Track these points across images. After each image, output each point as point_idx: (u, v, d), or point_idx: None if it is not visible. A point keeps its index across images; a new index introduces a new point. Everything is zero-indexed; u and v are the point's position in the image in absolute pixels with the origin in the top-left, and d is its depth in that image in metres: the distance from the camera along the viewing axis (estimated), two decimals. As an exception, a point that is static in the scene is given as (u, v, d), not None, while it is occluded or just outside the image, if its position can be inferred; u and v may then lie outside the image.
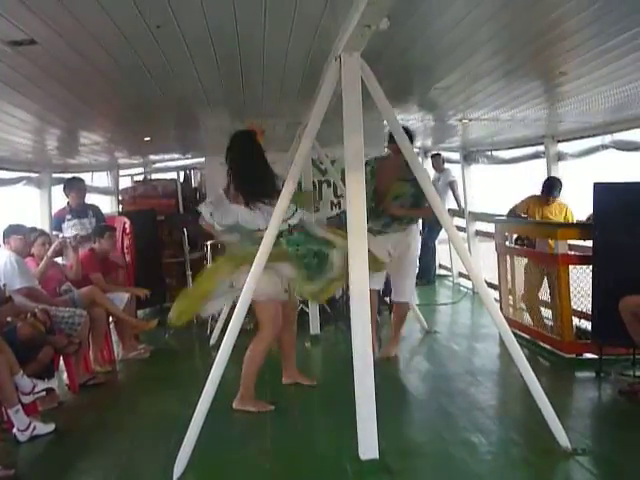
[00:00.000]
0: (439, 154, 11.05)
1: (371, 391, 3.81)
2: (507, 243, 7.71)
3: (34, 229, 6.72)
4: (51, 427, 4.90)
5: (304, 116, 5.94)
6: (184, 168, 11.02)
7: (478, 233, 10.62)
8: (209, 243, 7.74)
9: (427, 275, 10.87)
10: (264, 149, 5.17)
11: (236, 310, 4.08)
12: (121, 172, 10.89)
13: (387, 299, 8.57)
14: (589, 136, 7.77)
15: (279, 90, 5.51)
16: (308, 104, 5.18)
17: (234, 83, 5.14)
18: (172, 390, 5.79)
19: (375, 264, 4.98)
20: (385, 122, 6.47)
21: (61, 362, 6.06)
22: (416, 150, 10.84)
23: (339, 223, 8.31)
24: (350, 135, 3.85)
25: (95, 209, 8.16)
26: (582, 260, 6.21)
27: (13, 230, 6.26)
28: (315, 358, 7.18)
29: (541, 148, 8.67)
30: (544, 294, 6.83)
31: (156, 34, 3.60)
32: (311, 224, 5.35)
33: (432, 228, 10.39)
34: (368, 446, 3.83)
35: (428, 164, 11.06)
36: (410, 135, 5.81)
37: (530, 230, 7.25)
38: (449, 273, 11.51)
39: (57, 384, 5.73)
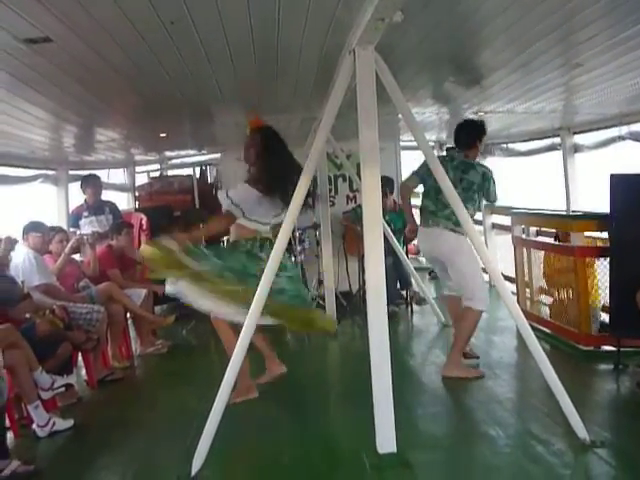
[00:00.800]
0: (454, 147, 11.01)
1: (388, 385, 3.81)
2: (524, 235, 7.68)
3: (53, 228, 6.76)
4: (70, 423, 4.93)
5: (319, 111, 5.93)
6: (200, 164, 11.04)
7: (494, 226, 10.58)
8: (226, 239, 7.76)
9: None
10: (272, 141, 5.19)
11: (252, 306, 4.08)
12: (137, 169, 10.93)
13: (404, 292, 8.61)
14: (605, 127, 7.71)
15: (293, 85, 5.50)
16: (322, 99, 5.18)
17: (248, 78, 5.14)
18: (190, 385, 5.81)
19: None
20: (399, 116, 6.48)
21: (79, 358, 6.10)
22: (431, 144, 10.82)
23: (354, 217, 8.40)
24: (365, 129, 3.85)
25: (112, 206, 8.20)
26: (599, 252, 6.17)
27: (33, 227, 6.29)
28: (332, 352, 7.18)
29: (557, 140, 8.62)
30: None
31: (170, 30, 3.61)
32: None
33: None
34: (386, 440, 3.83)
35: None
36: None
37: (547, 222, 7.21)
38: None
39: (76, 380, 5.78)
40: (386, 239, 6.57)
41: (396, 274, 8.26)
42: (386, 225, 6.71)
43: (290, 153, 5.15)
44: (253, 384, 5.23)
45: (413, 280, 8.31)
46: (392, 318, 7.65)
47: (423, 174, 5.77)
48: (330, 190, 9.45)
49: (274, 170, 4.97)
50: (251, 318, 4.07)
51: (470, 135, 5.85)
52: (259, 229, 5.02)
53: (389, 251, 7.43)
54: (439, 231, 5.69)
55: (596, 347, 6.15)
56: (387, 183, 8.28)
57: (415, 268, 8.25)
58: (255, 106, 6.28)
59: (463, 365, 5.75)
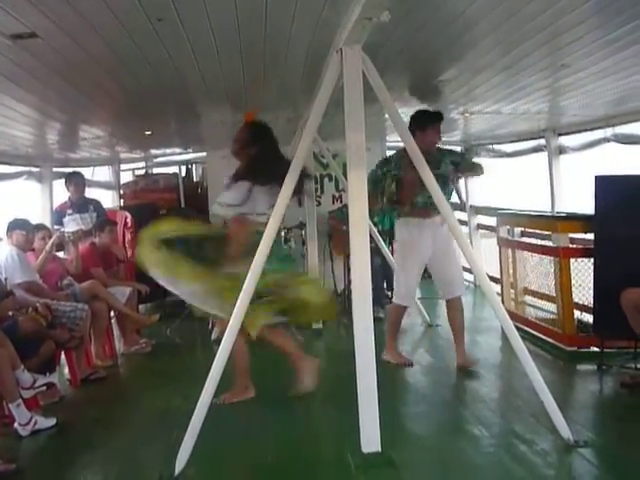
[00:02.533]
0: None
1: (373, 384, 3.81)
2: (509, 236, 7.70)
3: (36, 225, 6.72)
4: (52, 421, 4.90)
5: (305, 110, 5.93)
6: (185, 162, 11.03)
7: (480, 227, 10.63)
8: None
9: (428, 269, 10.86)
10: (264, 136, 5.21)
11: (237, 304, 4.08)
12: (122, 166, 10.90)
13: (389, 293, 8.61)
14: (591, 129, 7.76)
15: (280, 83, 5.50)
16: (309, 97, 5.18)
17: (235, 76, 5.13)
18: (173, 384, 5.79)
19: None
20: (386, 116, 6.49)
21: (62, 357, 6.07)
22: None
23: (341, 216, 8.40)
24: (352, 129, 3.84)
25: (96, 204, 8.17)
26: (583, 253, 6.21)
27: (17, 225, 6.25)
28: (318, 352, 7.17)
29: (542, 141, 8.67)
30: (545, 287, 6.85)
31: (157, 27, 3.60)
32: None
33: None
34: (370, 439, 3.83)
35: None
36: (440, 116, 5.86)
37: (532, 223, 7.24)
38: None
39: (58, 379, 5.73)
40: (373, 239, 6.67)
41: (383, 275, 8.26)
42: (372, 226, 6.71)
43: (280, 152, 5.16)
44: (251, 384, 5.23)
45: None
46: (377, 321, 7.68)
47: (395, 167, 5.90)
48: (316, 189, 9.46)
49: (266, 158, 5.00)
50: (236, 316, 4.06)
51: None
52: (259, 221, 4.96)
53: (377, 252, 7.47)
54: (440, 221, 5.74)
55: (580, 348, 6.19)
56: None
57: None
58: (241, 104, 6.28)
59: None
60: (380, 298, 8.26)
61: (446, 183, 5.69)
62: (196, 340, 7.73)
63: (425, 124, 5.77)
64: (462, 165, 5.90)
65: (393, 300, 6.14)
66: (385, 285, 8.57)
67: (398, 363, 6.05)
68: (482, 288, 4.32)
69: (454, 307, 6.03)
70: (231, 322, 4.08)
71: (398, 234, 6.05)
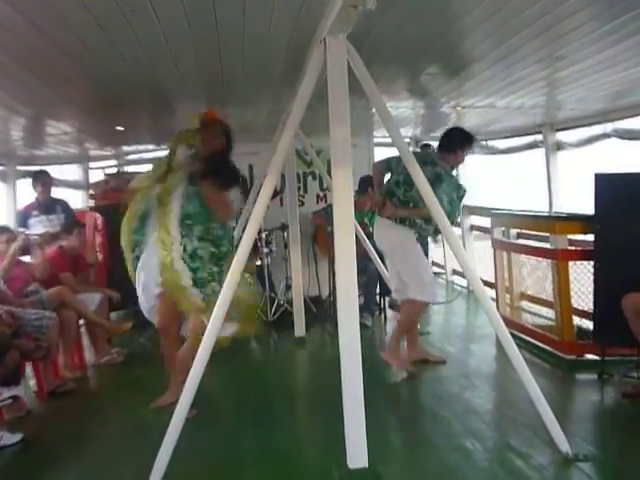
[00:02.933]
0: (429, 144, 11.05)
1: (360, 396, 3.82)
2: (504, 238, 7.74)
3: (1, 228, 6.69)
4: (18, 437, 4.88)
5: (287, 103, 5.93)
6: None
7: (473, 228, 10.66)
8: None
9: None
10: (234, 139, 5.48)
11: (215, 310, 4.08)
12: (92, 165, 10.85)
13: (380, 299, 8.64)
14: (589, 124, 7.81)
15: (260, 76, 5.50)
16: (291, 90, 5.18)
17: (212, 69, 5.13)
18: (147, 397, 5.76)
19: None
20: (373, 110, 6.50)
21: (28, 368, 6.04)
22: (406, 140, 10.86)
23: (325, 217, 8.41)
24: (336, 124, 3.85)
25: (63, 204, 8.13)
26: (583, 255, 6.23)
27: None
28: (301, 361, 7.19)
29: (539, 137, 8.71)
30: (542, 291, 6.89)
31: (129, 18, 3.60)
32: None
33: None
34: (357, 454, 3.83)
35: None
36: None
37: (528, 223, 7.27)
38: (442, 271, 11.54)
39: (24, 391, 5.71)
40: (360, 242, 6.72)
41: (377, 281, 8.26)
42: (359, 227, 6.72)
43: None
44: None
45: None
46: (365, 328, 7.70)
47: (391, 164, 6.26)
48: (299, 189, 9.46)
49: (230, 164, 5.35)
50: (214, 324, 4.07)
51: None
52: None
53: (368, 256, 7.52)
54: (388, 222, 6.18)
55: (579, 356, 6.22)
56: (369, 183, 8.35)
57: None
58: (219, 98, 6.28)
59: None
60: (370, 305, 8.29)
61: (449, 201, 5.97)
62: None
63: (464, 144, 6.25)
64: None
65: (417, 297, 6.13)
66: (378, 290, 8.58)
67: (398, 367, 6.19)
68: (475, 293, 4.34)
69: None
70: (209, 328, 4.09)
71: (405, 235, 6.13)
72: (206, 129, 5.38)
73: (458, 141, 6.23)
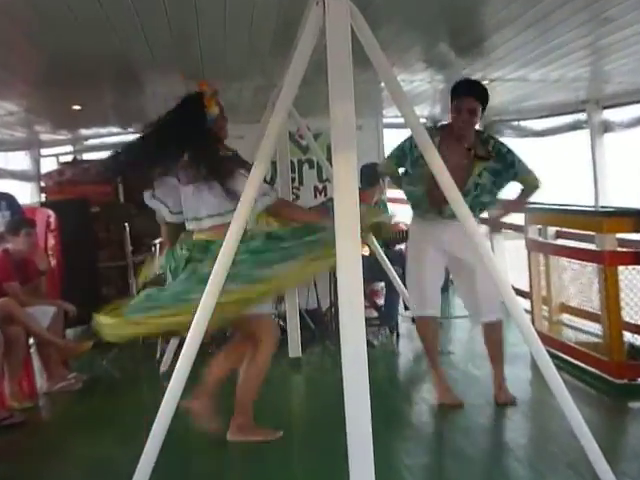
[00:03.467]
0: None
1: (367, 430, 3.79)
2: (540, 238, 7.73)
3: None
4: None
5: (278, 77, 5.93)
6: (125, 146, 10.98)
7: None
8: (159, 242, 7.73)
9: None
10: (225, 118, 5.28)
11: (193, 326, 4.07)
12: (43, 151, 10.85)
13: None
14: (643, 101, 7.82)
15: (246, 45, 5.50)
16: (283, 62, 5.18)
17: (189, 37, 5.13)
18: (111, 430, 5.77)
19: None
20: (382, 85, 6.50)
21: (-32, 397, 6.05)
22: (422, 120, 10.86)
23: (325, 213, 8.38)
24: (338, 101, 3.83)
25: (9, 199, 8.13)
26: (635, 259, 6.22)
27: None
28: (296, 388, 7.18)
29: (582, 116, 8.70)
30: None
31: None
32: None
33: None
34: (364, 499, 3.83)
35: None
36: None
37: (569, 220, 7.26)
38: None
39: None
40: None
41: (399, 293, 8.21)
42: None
43: None
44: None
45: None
46: (372, 345, 7.70)
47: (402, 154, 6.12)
48: (293, 180, 9.44)
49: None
50: (195, 330, 4.07)
51: None
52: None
53: (396, 260, 7.53)
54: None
55: (631, 380, 6.21)
56: (377, 172, 8.35)
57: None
58: (197, 71, 6.28)
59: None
60: (393, 315, 8.31)
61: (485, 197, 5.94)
62: (141, 373, 7.71)
63: (452, 96, 6.01)
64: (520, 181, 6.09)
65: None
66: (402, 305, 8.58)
67: (449, 404, 6.05)
68: (506, 304, 4.32)
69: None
70: (190, 335, 4.09)
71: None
72: (223, 113, 5.26)
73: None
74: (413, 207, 6.23)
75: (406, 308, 8.64)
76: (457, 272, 6.22)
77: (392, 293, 8.28)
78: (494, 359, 6.19)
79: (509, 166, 5.89)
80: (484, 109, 5.97)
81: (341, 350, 3.84)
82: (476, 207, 5.62)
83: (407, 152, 6.02)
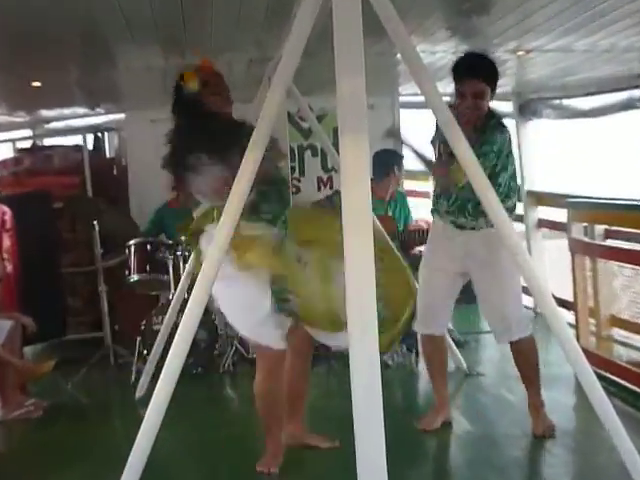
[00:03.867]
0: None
1: (381, 468, 3.79)
2: (586, 238, 7.73)
3: None
4: None
5: (275, 49, 5.94)
6: (93, 129, 11.00)
7: (542, 223, 10.63)
8: (133, 243, 7.75)
9: (465, 290, 10.90)
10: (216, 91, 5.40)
11: (175, 342, 4.08)
12: (-3, 136, 10.89)
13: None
14: None
15: (237, 11, 5.51)
16: (281, 31, 5.19)
17: (169, 2, 5.14)
18: (78, 466, 5.78)
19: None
20: (398, 56, 6.51)
21: None
22: (446, 99, 10.83)
23: (330, 209, 8.38)
24: (346, 75, 3.82)
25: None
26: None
27: None
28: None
29: (637, 93, 8.70)
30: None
31: None
32: None
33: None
34: None
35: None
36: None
37: (621, 217, 7.25)
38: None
39: None
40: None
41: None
42: (378, 223, 6.73)
43: None
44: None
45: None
46: (386, 366, 7.70)
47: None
48: (293, 169, 9.45)
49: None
50: (177, 347, 4.08)
51: None
52: None
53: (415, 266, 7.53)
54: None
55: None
56: (391, 159, 8.36)
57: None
58: (179, 42, 6.28)
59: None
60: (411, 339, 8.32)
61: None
62: (113, 398, 7.73)
63: (453, 77, 6.06)
64: None
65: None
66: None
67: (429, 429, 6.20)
68: (546, 317, 4.32)
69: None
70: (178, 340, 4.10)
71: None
72: (212, 88, 5.36)
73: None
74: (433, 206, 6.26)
75: None
76: (478, 281, 6.22)
77: None
78: (528, 382, 6.21)
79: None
80: (494, 89, 5.92)
81: (350, 371, 3.84)
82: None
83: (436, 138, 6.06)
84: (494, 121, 5.94)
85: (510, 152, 5.95)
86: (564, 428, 6.21)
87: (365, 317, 3.86)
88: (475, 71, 5.88)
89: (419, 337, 8.40)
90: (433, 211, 6.25)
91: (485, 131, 5.82)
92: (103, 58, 7.08)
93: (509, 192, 5.88)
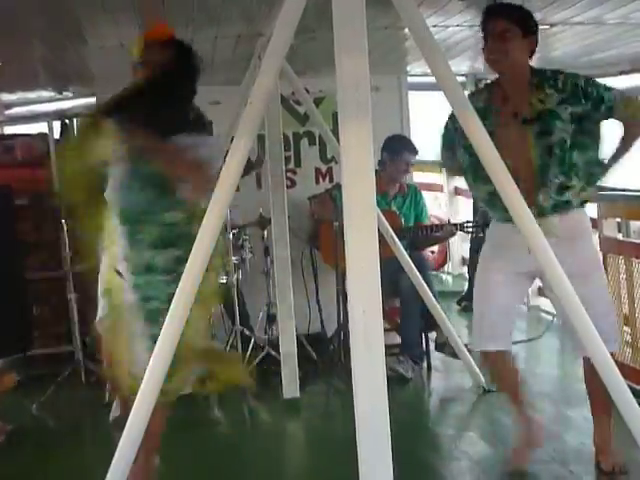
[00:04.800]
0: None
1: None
2: (619, 235, 7.72)
3: None
4: None
5: (265, 24, 5.95)
6: (61, 116, 10.99)
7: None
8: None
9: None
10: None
11: (154, 358, 4.08)
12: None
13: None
14: None
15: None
16: (273, 3, 5.19)
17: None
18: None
19: None
20: (406, 31, 6.51)
21: None
22: (460, 79, 10.85)
23: (330, 205, 8.39)
24: (346, 54, 3.82)
25: None
26: None
27: None
28: (293, 442, 7.19)
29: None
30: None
31: None
32: None
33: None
34: None
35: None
36: None
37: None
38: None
39: None
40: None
41: (420, 304, 8.16)
42: (383, 219, 6.74)
43: None
44: None
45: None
46: (397, 382, 7.71)
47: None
48: (288, 160, 9.44)
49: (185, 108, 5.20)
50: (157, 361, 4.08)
51: None
52: None
53: (421, 267, 7.53)
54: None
55: None
56: (403, 146, 8.35)
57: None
58: (157, 17, 6.28)
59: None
60: (412, 344, 8.30)
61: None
62: (84, 420, 7.72)
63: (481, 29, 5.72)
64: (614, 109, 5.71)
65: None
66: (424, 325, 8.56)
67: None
68: (573, 324, 4.33)
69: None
70: (147, 377, 4.09)
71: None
72: (147, 55, 5.35)
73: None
74: (486, 207, 5.93)
75: (438, 347, 8.64)
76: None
77: (409, 312, 8.27)
78: (599, 408, 5.86)
79: (597, 101, 5.44)
80: (527, 35, 5.54)
81: (353, 390, 3.84)
82: (571, 182, 5.37)
83: (452, 128, 5.70)
84: (546, 77, 5.60)
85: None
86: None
87: (370, 326, 3.86)
88: (497, 9, 5.63)
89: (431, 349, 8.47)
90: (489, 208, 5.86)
91: (534, 91, 5.53)
92: (72, 33, 7.08)
93: (588, 179, 5.51)
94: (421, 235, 8.53)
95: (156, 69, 5.21)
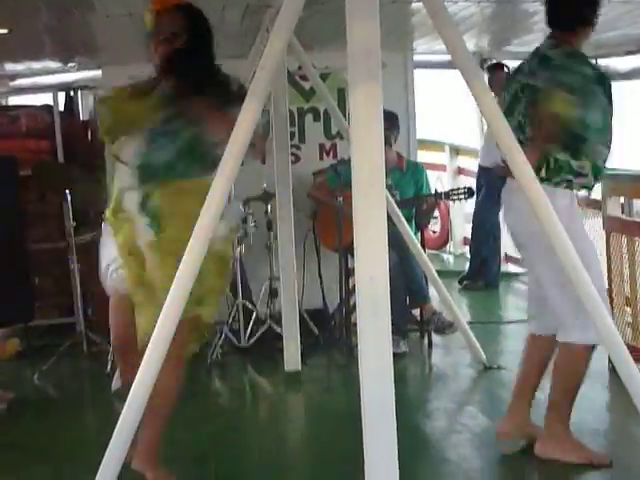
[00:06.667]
0: (502, 65, 10.94)
1: (393, 469, 3.76)
2: (624, 215, 7.69)
3: None
4: None
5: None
6: (65, 87, 10.96)
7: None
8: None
9: (486, 273, 10.89)
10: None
11: (157, 328, 4.04)
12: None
13: (416, 312, 8.61)
14: None
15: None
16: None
17: None
18: (45, 466, 5.77)
19: None
20: (414, 5, 6.46)
21: None
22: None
23: (334, 181, 8.37)
24: (355, 26, 3.78)
25: None
26: None
27: None
28: (294, 414, 7.17)
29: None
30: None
31: None
32: None
33: (492, 188, 10.17)
34: None
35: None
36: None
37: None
38: (523, 270, 11.48)
39: None
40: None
41: (404, 281, 8.21)
42: (389, 196, 6.71)
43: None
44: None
45: (432, 291, 8.30)
46: (398, 358, 7.69)
47: None
48: (292, 135, 9.42)
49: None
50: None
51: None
52: None
53: (393, 241, 7.44)
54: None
55: None
56: (389, 122, 8.30)
57: (437, 271, 8.22)
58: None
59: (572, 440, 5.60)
60: (400, 320, 8.26)
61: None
62: (85, 391, 7.72)
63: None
64: None
65: (573, 339, 5.41)
66: (408, 300, 8.52)
67: (582, 462, 5.49)
68: (581, 300, 4.29)
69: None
70: (154, 339, 4.06)
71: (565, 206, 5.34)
72: (160, 24, 5.31)
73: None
74: None
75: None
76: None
77: (393, 287, 8.22)
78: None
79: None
80: None
81: (358, 363, 3.80)
82: None
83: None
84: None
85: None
86: (596, 427, 6.18)
87: (378, 302, 3.84)
88: None
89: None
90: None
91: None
92: (78, 4, 7.03)
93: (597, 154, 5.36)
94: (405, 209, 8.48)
95: (175, 40, 5.22)
